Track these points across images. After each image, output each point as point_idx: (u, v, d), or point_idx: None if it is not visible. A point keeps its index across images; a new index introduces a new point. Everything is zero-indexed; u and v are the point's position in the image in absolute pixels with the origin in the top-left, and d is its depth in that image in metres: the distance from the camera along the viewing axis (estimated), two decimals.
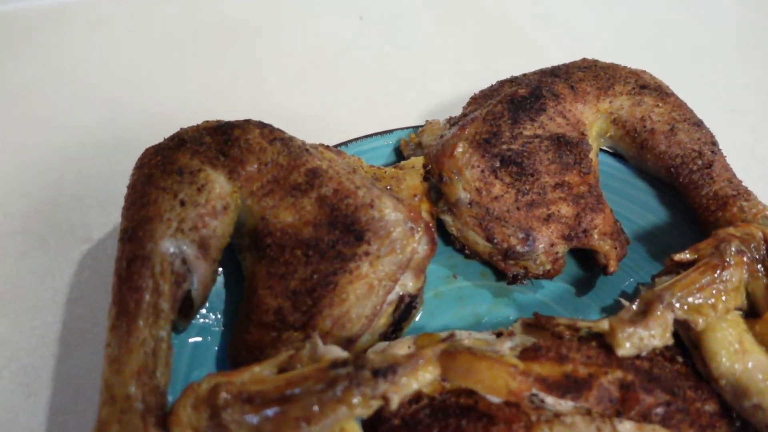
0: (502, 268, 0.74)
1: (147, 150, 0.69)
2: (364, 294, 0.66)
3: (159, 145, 0.69)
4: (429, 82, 1.13)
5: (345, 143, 0.84)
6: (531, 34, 1.26)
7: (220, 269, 0.73)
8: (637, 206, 0.80)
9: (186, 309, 0.65)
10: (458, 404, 0.60)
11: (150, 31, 1.23)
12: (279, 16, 1.29)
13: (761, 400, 0.56)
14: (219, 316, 0.70)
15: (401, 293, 0.69)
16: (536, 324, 0.65)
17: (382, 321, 0.68)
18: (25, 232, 0.88)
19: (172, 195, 0.63)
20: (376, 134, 0.87)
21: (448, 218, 0.76)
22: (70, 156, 0.98)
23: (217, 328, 0.69)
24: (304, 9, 1.31)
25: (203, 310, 0.69)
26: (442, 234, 0.79)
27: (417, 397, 0.63)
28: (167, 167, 0.66)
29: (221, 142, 0.68)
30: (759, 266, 0.63)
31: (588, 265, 0.78)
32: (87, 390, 0.72)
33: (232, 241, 0.71)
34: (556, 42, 1.25)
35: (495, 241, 0.72)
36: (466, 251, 0.76)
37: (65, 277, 0.83)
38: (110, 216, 0.90)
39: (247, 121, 0.71)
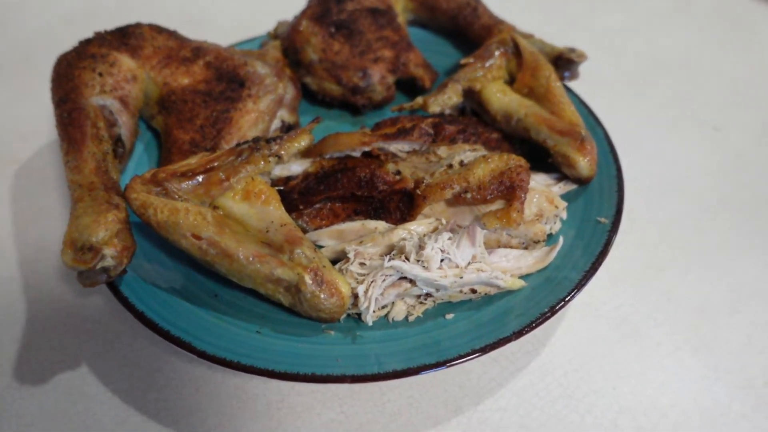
0: (353, 101, 1.01)
1: (61, 54, 0.89)
2: (254, 121, 0.90)
3: (70, 49, 0.89)
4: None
5: None
6: None
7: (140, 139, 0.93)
8: (441, 55, 1.12)
9: (120, 154, 0.85)
10: (333, 169, 0.85)
11: None
12: None
13: (518, 115, 0.87)
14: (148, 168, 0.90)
15: (282, 121, 0.94)
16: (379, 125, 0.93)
17: None
18: None
19: (91, 69, 0.84)
20: (243, 41, 1.11)
21: (308, 79, 1.02)
22: None
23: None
24: None
25: (132, 164, 0.89)
26: (308, 96, 1.05)
27: (306, 176, 0.87)
28: (81, 54, 0.86)
29: (120, 36, 0.90)
30: (510, 53, 0.96)
31: (416, 95, 1.07)
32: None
33: (144, 113, 0.92)
34: None
35: (343, 82, 1.00)
36: (327, 100, 1.03)
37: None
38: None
39: (137, 23, 0.93)
